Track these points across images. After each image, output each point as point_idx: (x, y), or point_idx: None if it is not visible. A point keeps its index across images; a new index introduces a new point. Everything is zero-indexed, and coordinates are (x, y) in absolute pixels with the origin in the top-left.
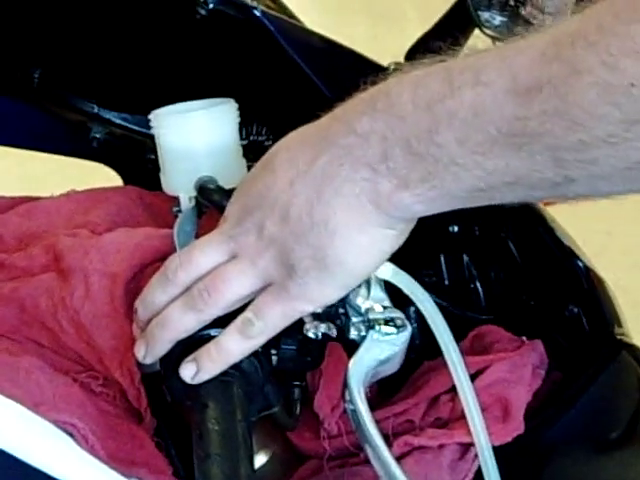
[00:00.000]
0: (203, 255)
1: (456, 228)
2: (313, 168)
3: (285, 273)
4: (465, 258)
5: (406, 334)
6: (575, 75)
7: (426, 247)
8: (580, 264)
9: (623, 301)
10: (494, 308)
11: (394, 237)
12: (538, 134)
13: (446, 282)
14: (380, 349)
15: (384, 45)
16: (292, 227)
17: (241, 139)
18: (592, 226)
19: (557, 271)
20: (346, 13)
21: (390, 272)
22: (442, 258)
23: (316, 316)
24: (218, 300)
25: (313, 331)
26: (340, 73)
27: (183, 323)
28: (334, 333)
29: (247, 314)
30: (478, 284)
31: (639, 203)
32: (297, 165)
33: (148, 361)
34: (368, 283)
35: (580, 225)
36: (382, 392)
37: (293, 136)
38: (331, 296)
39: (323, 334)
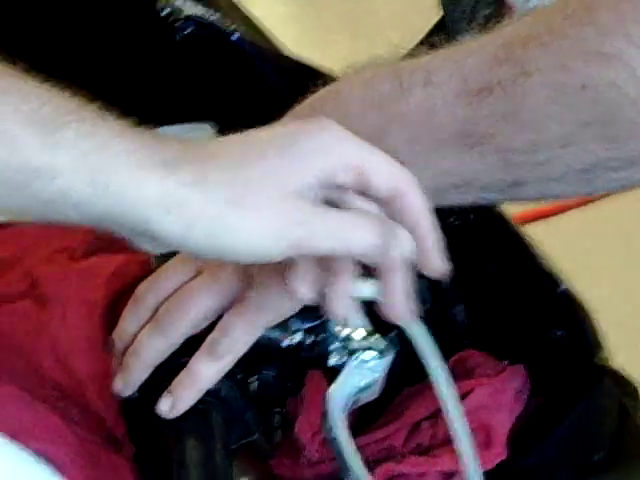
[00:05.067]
0: (169, 275)
1: None
2: None
3: (246, 284)
4: (446, 285)
5: (387, 361)
6: (525, 76)
7: None
8: (562, 288)
9: (602, 320)
10: (476, 332)
11: None
12: (489, 135)
13: (427, 306)
14: (360, 376)
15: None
16: None
17: None
18: (574, 245)
19: (540, 296)
20: (326, 32)
21: (375, 290)
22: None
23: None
24: (183, 318)
25: (287, 342)
26: None
27: (153, 348)
28: (309, 340)
29: (213, 334)
30: (459, 308)
31: (619, 224)
32: None
33: (126, 392)
34: None
35: (563, 243)
36: (363, 418)
37: None
38: (291, 304)
39: (299, 342)
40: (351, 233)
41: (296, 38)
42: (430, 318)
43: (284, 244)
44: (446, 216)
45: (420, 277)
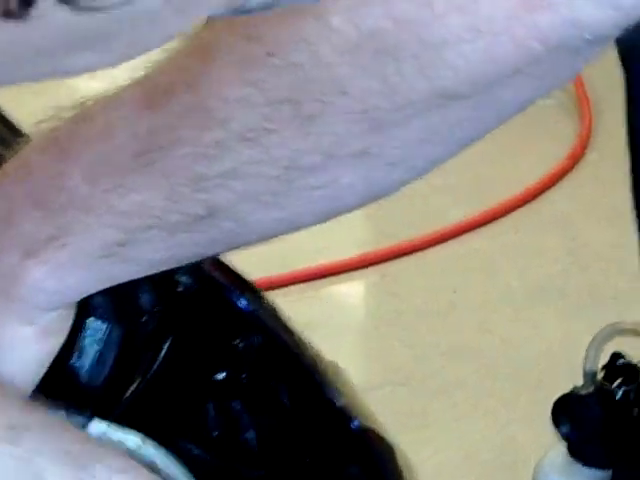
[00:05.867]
0: None
1: (223, 375)
2: None
3: None
4: (236, 406)
5: None
6: (209, 58)
7: (190, 396)
8: (355, 424)
9: (470, 363)
10: (268, 462)
11: (40, 335)
12: (171, 144)
13: (215, 432)
14: None
15: None
16: None
17: None
18: (437, 283)
19: (332, 431)
20: None
21: (134, 444)
22: (210, 406)
23: None
24: None
25: None
26: None
27: None
28: None
29: None
30: (251, 434)
31: (485, 259)
32: None
33: None
34: None
35: (425, 282)
36: None
37: None
38: None
39: None
40: None
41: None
42: (219, 445)
43: None
44: (230, 337)
45: (210, 401)
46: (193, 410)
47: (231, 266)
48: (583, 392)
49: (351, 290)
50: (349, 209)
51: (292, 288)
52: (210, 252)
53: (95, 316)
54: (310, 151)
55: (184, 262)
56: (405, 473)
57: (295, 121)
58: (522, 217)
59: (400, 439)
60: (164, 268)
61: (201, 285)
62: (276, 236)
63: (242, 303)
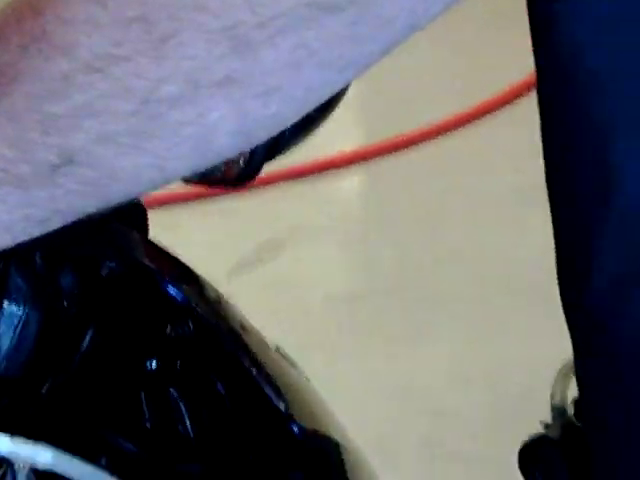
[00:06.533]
0: None
1: (154, 363)
2: None
3: None
4: (174, 393)
5: None
6: None
7: (120, 386)
8: (298, 428)
9: (460, 270)
10: (205, 455)
11: None
12: (12, 80)
13: (148, 424)
14: None
15: None
16: None
17: None
18: (428, 182)
19: (273, 433)
20: None
21: (49, 458)
22: (143, 396)
23: None
24: None
25: None
26: None
27: None
28: None
29: None
30: (188, 424)
31: (479, 157)
32: None
33: None
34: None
35: (415, 182)
36: None
37: None
38: None
39: None
40: None
41: None
42: (153, 437)
43: None
44: (160, 325)
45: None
46: (123, 401)
47: (170, 252)
48: (552, 434)
49: (338, 191)
50: (223, 152)
51: (276, 185)
52: (77, 210)
53: (10, 299)
54: (168, 79)
55: (51, 226)
56: (354, 473)
57: (148, 44)
58: (522, 109)
59: (388, 351)
60: (25, 237)
61: (128, 270)
62: (153, 187)
63: (173, 291)
